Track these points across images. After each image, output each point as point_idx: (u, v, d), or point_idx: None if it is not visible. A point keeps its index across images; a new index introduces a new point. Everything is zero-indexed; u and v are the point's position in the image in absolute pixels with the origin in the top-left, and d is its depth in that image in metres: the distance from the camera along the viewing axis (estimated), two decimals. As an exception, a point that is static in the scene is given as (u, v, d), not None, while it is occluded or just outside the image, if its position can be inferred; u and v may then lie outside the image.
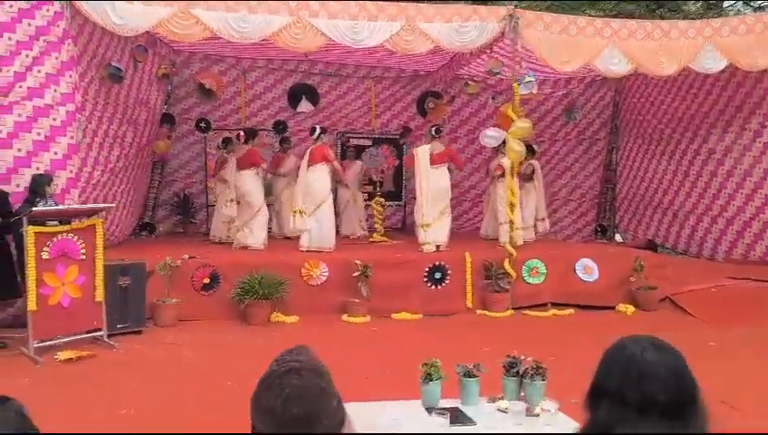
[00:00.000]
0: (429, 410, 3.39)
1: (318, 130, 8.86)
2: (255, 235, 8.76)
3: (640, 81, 10.96)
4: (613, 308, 7.93)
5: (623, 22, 8.11)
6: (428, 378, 3.45)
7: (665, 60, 7.85)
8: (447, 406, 3.41)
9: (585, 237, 12.10)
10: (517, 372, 3.53)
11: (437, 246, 8.43)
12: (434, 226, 8.40)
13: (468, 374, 3.50)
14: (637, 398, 1.63)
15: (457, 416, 3.28)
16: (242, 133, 9.23)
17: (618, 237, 11.98)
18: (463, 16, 7.67)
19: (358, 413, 3.33)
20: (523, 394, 3.47)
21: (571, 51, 7.76)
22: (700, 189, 10.05)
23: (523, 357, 3.57)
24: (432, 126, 9.27)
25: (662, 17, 15.43)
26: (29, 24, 6.69)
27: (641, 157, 11.48)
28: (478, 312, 7.80)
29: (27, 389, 4.99)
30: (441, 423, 3.24)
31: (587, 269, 8.25)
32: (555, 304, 8.01)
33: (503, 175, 8.69)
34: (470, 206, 11.86)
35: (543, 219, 10.16)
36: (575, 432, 1.87)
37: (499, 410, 3.37)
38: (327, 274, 7.60)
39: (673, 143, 10.62)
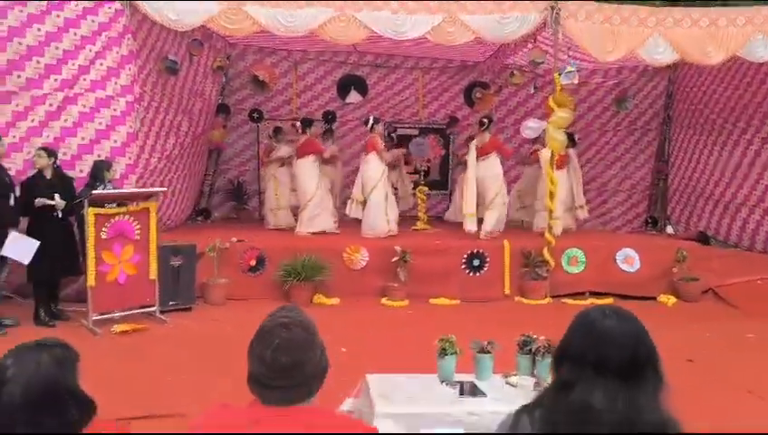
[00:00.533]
0: (444, 382, 3.62)
1: (371, 120, 9.12)
2: (306, 222, 9.04)
3: (693, 70, 10.73)
4: (654, 299, 7.91)
5: (669, 10, 8.00)
6: (444, 352, 3.66)
7: (712, 48, 7.72)
8: (462, 380, 3.62)
9: (635, 229, 11.95)
10: (530, 350, 3.71)
11: (487, 234, 8.57)
12: (483, 215, 8.59)
13: (482, 350, 3.70)
14: (594, 359, 1.82)
15: (468, 388, 3.49)
16: (299, 123, 9.54)
17: (669, 229, 11.79)
18: (504, 8, 7.75)
19: (379, 382, 3.61)
20: (535, 371, 3.65)
21: (615, 40, 7.73)
22: (753, 180, 9.81)
23: (536, 337, 3.74)
24: (483, 116, 9.41)
25: (725, 2, 14.92)
26: (92, 21, 7.19)
27: (693, 147, 11.23)
28: (516, 299, 7.92)
29: (85, 357, 5.43)
30: (450, 394, 3.46)
31: (628, 259, 8.23)
32: (594, 294, 8.05)
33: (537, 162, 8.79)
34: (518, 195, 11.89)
35: (582, 207, 10.12)
36: (541, 389, 2.06)
37: (508, 383, 3.55)
38: (367, 258, 7.87)
39: (725, 133, 10.36)
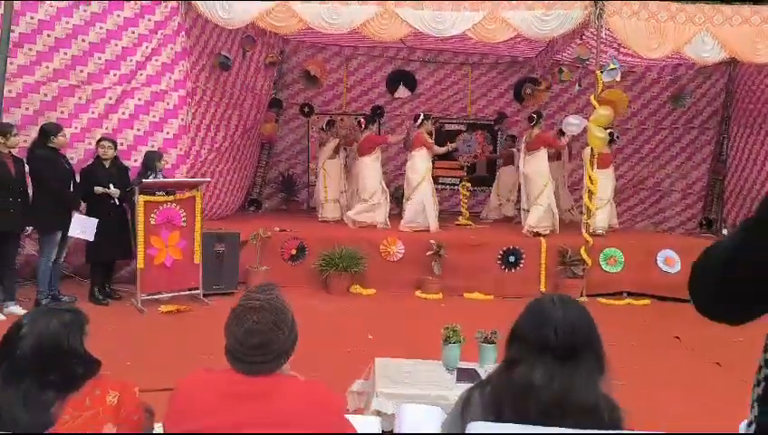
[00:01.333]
0: (448, 369, 3.80)
1: (421, 117, 9.25)
2: (360, 213, 9.21)
3: (754, 68, 10.34)
4: (693, 300, 7.76)
5: (717, 7, 7.81)
6: (448, 340, 3.84)
7: (763, 47, 7.51)
8: (465, 367, 3.79)
9: (689, 230, 11.66)
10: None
11: (536, 232, 8.63)
12: (531, 211, 8.66)
13: (487, 340, 3.85)
14: (536, 340, 2.00)
15: (467, 374, 3.65)
16: (362, 120, 9.72)
17: (725, 232, 11.45)
18: (547, 5, 7.77)
19: (385, 365, 3.82)
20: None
21: (660, 37, 7.63)
22: (811, 184, 9.45)
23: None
24: (532, 112, 9.46)
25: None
26: (149, 20, 7.65)
27: (752, 148, 10.87)
28: (550, 294, 7.93)
29: (134, 332, 5.94)
30: (449, 378, 3.63)
31: (668, 260, 8.12)
32: (632, 294, 7.98)
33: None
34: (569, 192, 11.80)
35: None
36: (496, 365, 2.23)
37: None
38: (403, 251, 8.06)
39: (785, 134, 10.01)
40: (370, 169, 9.29)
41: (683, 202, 11.98)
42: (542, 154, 8.93)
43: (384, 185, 9.42)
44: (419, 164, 9.01)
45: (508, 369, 2.03)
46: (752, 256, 1.24)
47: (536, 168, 8.90)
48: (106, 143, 6.83)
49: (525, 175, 8.99)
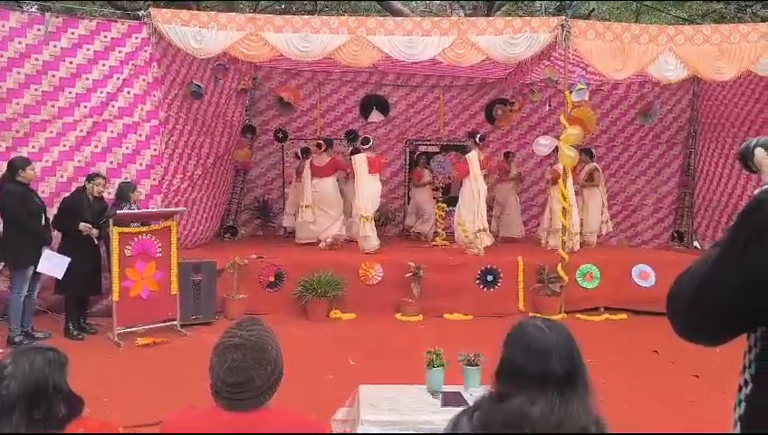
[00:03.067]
0: (432, 393, 3.79)
1: (371, 141, 9.48)
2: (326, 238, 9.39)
3: (716, 84, 10.68)
4: (670, 313, 7.88)
5: (679, 28, 8.06)
6: (431, 364, 3.84)
7: (723, 65, 7.74)
8: (450, 390, 3.79)
9: (661, 244, 11.87)
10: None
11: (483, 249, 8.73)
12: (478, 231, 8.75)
13: (470, 363, 3.87)
14: (525, 368, 2.00)
15: (452, 398, 3.65)
16: (322, 142, 9.88)
17: (696, 244, 11.67)
18: (515, 28, 7.93)
19: (369, 391, 3.80)
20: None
21: (624, 58, 7.82)
22: (777, 195, 9.68)
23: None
24: (471, 133, 9.68)
25: (755, 16, 14.80)
26: (120, 52, 7.63)
27: (718, 161, 11.15)
28: (530, 314, 7.99)
29: (110, 366, 5.83)
30: (434, 403, 3.63)
31: (643, 274, 8.25)
32: (609, 309, 8.08)
33: (557, 180, 8.86)
34: (539, 211, 11.96)
35: (606, 221, 10.22)
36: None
37: (492, 394, 3.70)
38: (382, 274, 8.07)
39: (750, 147, 10.28)
40: (333, 190, 9.52)
41: (654, 216, 12.20)
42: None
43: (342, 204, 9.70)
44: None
45: (499, 401, 2.02)
46: (714, 294, 1.30)
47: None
48: (101, 181, 6.82)
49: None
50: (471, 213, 8.71)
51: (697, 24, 8.58)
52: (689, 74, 7.94)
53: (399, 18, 7.95)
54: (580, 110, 8.75)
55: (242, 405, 1.97)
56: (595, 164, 10.15)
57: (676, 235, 12.01)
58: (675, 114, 11.88)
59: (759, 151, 1.38)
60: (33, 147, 7.34)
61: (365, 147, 9.39)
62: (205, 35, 7.70)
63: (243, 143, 11.18)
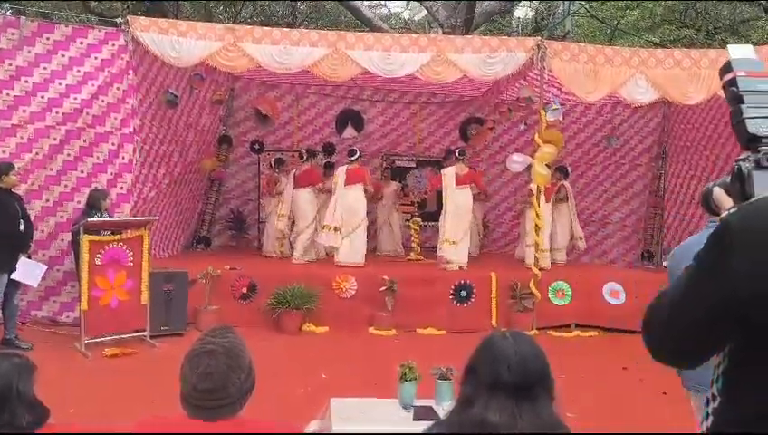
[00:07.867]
0: (405, 407, 3.79)
1: (357, 153, 9.46)
2: (301, 250, 9.36)
3: (687, 106, 10.93)
4: (639, 332, 7.99)
5: (651, 51, 8.26)
6: (404, 378, 3.84)
7: (692, 88, 7.94)
8: (422, 405, 3.78)
9: (629, 263, 12.04)
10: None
11: (460, 266, 8.76)
12: (458, 245, 8.76)
13: (442, 377, 3.87)
14: (489, 377, 2.02)
15: (423, 412, 3.65)
16: (303, 151, 9.87)
17: (665, 263, 11.84)
18: (492, 47, 8.05)
19: (341, 405, 3.78)
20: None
21: (597, 80, 7.98)
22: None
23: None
24: (455, 148, 9.74)
25: (724, 44, 15.24)
26: (95, 58, 7.54)
27: (688, 182, 11.39)
28: (503, 330, 8.03)
29: (76, 377, 5.70)
30: (405, 417, 3.63)
31: (613, 293, 8.36)
32: (580, 326, 8.16)
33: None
34: (509, 228, 12.08)
35: (581, 238, 10.35)
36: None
37: (464, 408, 3.71)
38: (356, 288, 8.06)
39: (718, 169, 10.51)
40: (308, 201, 9.52)
41: (618, 234, 12.35)
42: (469, 190, 9.24)
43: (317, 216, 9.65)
44: (361, 201, 9.26)
45: (463, 409, 2.04)
46: (689, 317, 1.35)
47: (465, 201, 9.17)
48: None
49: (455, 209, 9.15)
50: (453, 226, 8.83)
51: (668, 48, 8.79)
52: (659, 97, 8.12)
53: (379, 33, 8.00)
54: (548, 131, 8.81)
55: (215, 413, 1.94)
56: (563, 181, 10.29)
57: (646, 254, 12.19)
58: (641, 136, 12.07)
59: (716, 190, 1.45)
60: (4, 151, 7.21)
61: (351, 159, 9.38)
62: (183, 44, 7.66)
63: (209, 153, 11.02)
